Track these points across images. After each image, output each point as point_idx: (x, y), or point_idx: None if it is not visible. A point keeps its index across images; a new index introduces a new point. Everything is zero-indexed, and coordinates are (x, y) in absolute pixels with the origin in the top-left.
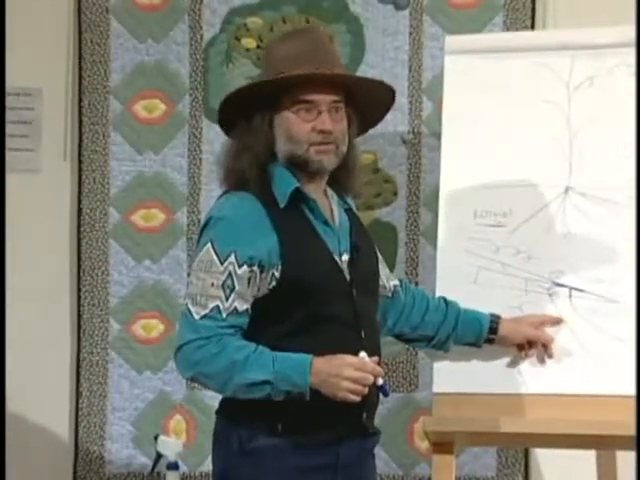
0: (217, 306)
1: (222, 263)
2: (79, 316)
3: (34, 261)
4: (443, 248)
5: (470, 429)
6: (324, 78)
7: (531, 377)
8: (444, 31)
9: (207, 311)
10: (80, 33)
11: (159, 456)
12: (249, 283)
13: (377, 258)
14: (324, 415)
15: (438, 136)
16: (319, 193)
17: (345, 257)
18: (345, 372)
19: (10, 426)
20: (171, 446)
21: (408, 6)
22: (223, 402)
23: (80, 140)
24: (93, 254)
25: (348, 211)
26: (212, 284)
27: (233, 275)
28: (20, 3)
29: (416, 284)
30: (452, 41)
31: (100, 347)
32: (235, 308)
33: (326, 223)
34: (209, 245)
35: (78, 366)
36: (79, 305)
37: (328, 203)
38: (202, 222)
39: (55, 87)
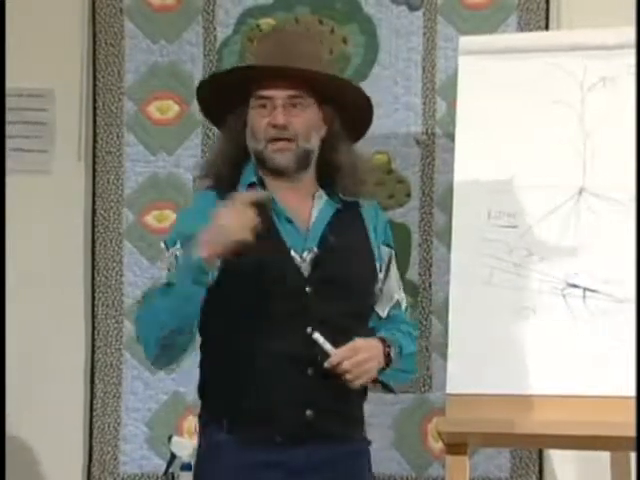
0: (166, 282)
1: (168, 250)
2: (93, 317)
3: (48, 262)
4: (457, 249)
5: (484, 430)
6: (272, 72)
7: (545, 378)
8: (458, 32)
9: (155, 289)
10: (94, 34)
11: (173, 457)
12: None
13: (369, 264)
14: (263, 410)
15: (451, 137)
16: (293, 192)
17: (307, 254)
18: (222, 215)
19: (24, 427)
20: (185, 447)
21: (422, 7)
22: (201, 402)
23: (94, 141)
24: (107, 255)
25: (340, 211)
26: (160, 270)
27: (178, 256)
28: (34, 4)
29: (430, 285)
30: (466, 42)
31: (114, 348)
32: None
33: (288, 221)
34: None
35: (92, 367)
36: (93, 306)
37: (308, 204)
38: None
39: (69, 88)
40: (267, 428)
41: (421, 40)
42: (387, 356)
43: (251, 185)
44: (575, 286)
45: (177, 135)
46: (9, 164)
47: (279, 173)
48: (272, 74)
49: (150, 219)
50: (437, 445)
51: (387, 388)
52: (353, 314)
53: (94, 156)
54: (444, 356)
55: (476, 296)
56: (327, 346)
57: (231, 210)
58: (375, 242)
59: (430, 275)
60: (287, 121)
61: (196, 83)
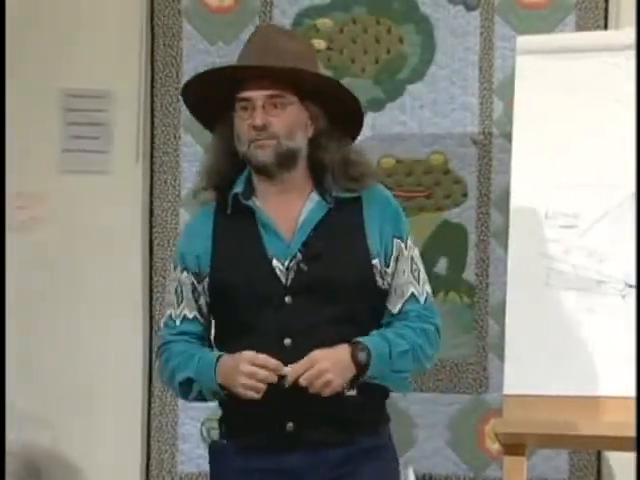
0: (170, 314)
1: (174, 270)
2: (151, 316)
3: (106, 262)
4: (514, 249)
5: (541, 431)
6: (243, 71)
7: (604, 379)
8: (515, 31)
9: (165, 319)
10: (153, 36)
11: None
12: (193, 290)
13: (363, 266)
14: (248, 420)
15: (508, 137)
16: (283, 194)
17: (288, 262)
18: (240, 366)
19: (83, 426)
20: None
21: (479, 6)
22: None
23: (152, 142)
24: (165, 254)
25: (332, 211)
26: (169, 291)
27: (181, 282)
28: (94, 6)
29: (486, 286)
30: (524, 41)
31: None
32: (185, 315)
33: (272, 229)
34: (175, 257)
35: (150, 367)
36: (151, 305)
37: (298, 205)
38: None
39: (128, 89)
40: (257, 438)
41: (478, 40)
42: (355, 360)
43: (235, 196)
44: (634, 287)
45: None
46: (69, 164)
47: (263, 172)
48: (250, 74)
49: None
50: (494, 446)
51: (383, 392)
52: (343, 319)
53: (152, 156)
54: (501, 357)
55: (533, 297)
56: (285, 369)
57: (250, 368)
58: (377, 237)
59: (487, 275)
60: (266, 121)
61: None
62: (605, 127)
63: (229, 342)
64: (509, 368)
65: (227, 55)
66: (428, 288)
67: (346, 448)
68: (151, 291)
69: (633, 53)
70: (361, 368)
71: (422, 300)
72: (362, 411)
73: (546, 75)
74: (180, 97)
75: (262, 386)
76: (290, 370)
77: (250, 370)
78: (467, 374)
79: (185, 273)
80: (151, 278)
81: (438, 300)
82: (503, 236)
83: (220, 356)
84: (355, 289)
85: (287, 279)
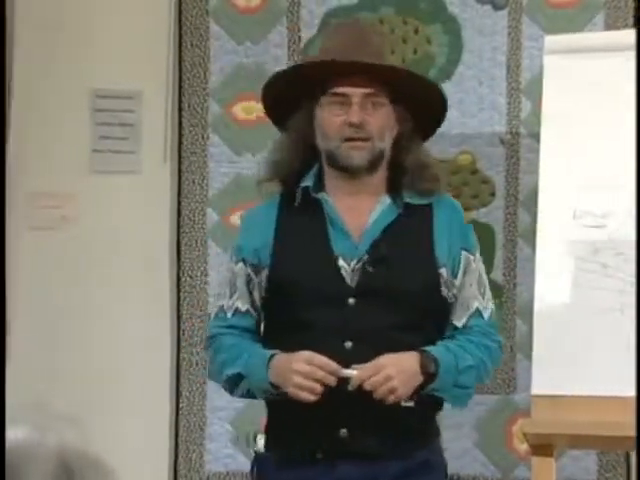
0: (222, 305)
1: (230, 260)
2: (179, 317)
3: (135, 261)
4: (542, 249)
5: (570, 432)
6: (345, 68)
7: (632, 379)
8: (543, 31)
9: (216, 310)
10: (180, 36)
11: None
12: (248, 282)
13: (429, 273)
14: (299, 428)
15: (536, 137)
16: (356, 194)
17: (355, 264)
18: (294, 365)
19: (112, 425)
20: None
21: (506, 6)
22: None
23: (180, 142)
24: (193, 255)
25: (402, 216)
26: (224, 279)
27: (235, 273)
28: (122, 7)
29: (514, 286)
30: (551, 41)
31: (200, 347)
32: (237, 308)
33: (341, 227)
34: (232, 251)
35: (178, 366)
36: (179, 305)
37: (369, 206)
38: None
39: (156, 89)
40: (307, 445)
41: (506, 40)
42: (424, 370)
43: (305, 189)
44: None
45: (262, 136)
46: (98, 165)
47: (350, 173)
48: (350, 70)
49: (235, 219)
50: (522, 446)
51: (439, 404)
52: (406, 325)
53: (179, 157)
54: (529, 357)
55: (561, 297)
56: (346, 372)
57: (306, 367)
58: (446, 247)
59: (515, 276)
60: (363, 120)
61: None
62: (632, 127)
63: (281, 339)
64: (537, 368)
65: (254, 55)
66: (492, 304)
67: (403, 462)
68: (179, 291)
69: None
70: (428, 378)
71: (486, 316)
72: (418, 422)
73: (574, 74)
74: (207, 97)
75: (319, 388)
76: (355, 373)
77: (306, 370)
78: (495, 374)
79: (241, 264)
80: (179, 278)
81: None
82: (531, 236)
83: (274, 354)
84: (420, 296)
85: (352, 280)
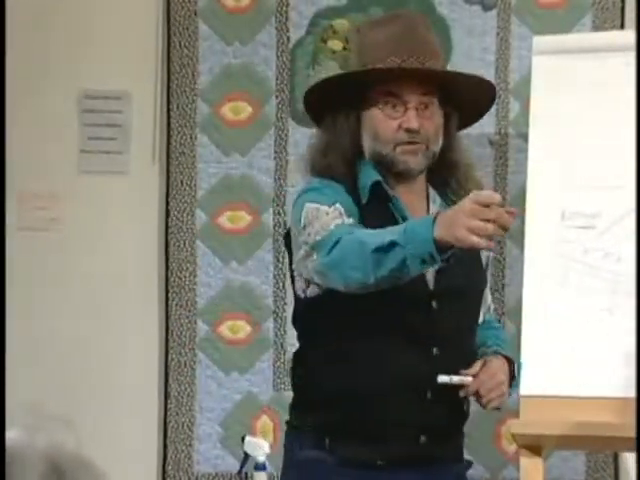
0: (339, 223)
1: (329, 207)
2: (167, 317)
3: (123, 262)
4: (530, 250)
5: (559, 432)
6: (411, 73)
7: (621, 380)
8: (532, 31)
9: (332, 227)
10: (169, 36)
11: (246, 456)
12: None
13: (481, 271)
14: (374, 430)
15: (525, 137)
16: (410, 194)
17: None
18: (465, 206)
19: (100, 426)
20: (258, 447)
21: (495, 6)
22: (290, 410)
23: (168, 142)
24: (181, 255)
25: None
26: (327, 214)
27: (343, 215)
28: (110, 8)
29: (502, 287)
30: (540, 41)
31: (188, 348)
32: (344, 221)
33: None
34: (308, 204)
35: (166, 367)
36: (167, 306)
37: (423, 205)
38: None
39: (144, 90)
40: (371, 449)
41: (495, 40)
42: (512, 375)
43: (377, 183)
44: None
45: (250, 136)
46: (86, 165)
47: (404, 176)
48: (407, 74)
49: (223, 220)
50: (511, 447)
51: (497, 407)
52: (469, 327)
53: (168, 157)
54: (517, 358)
55: (550, 298)
56: (457, 379)
57: (477, 206)
58: None
59: (503, 276)
60: (421, 125)
61: (270, 84)
62: (622, 127)
63: (360, 340)
64: (526, 369)
65: (243, 55)
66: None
67: (460, 466)
68: (167, 292)
69: None
70: (511, 382)
71: (492, 310)
72: (462, 429)
73: (563, 75)
74: (195, 98)
75: (491, 228)
76: (471, 380)
77: (475, 209)
78: None
79: (350, 218)
80: (167, 279)
81: None
82: (519, 236)
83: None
84: (478, 298)
85: (431, 281)
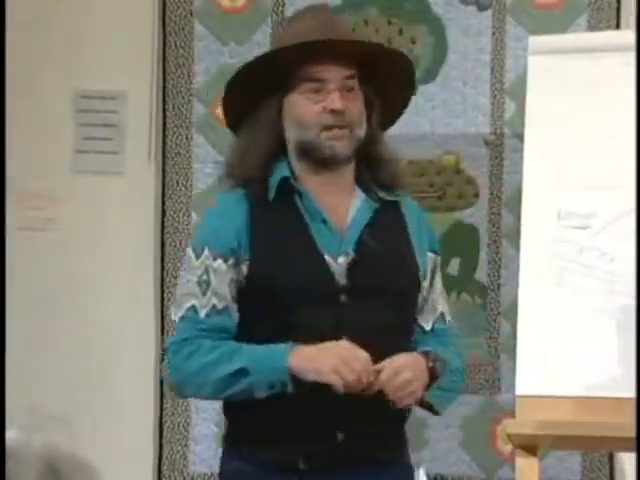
0: (193, 305)
1: (197, 258)
2: (163, 318)
3: (119, 262)
4: (526, 250)
5: (554, 432)
6: (331, 47)
7: (617, 380)
8: (527, 32)
9: (183, 312)
10: (165, 36)
11: None
12: (229, 280)
13: (411, 272)
14: (288, 434)
15: (520, 137)
16: (334, 186)
17: (342, 259)
18: (333, 349)
19: (96, 426)
20: None
21: (491, 7)
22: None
23: (164, 142)
24: (177, 255)
25: (379, 211)
26: (188, 280)
27: (209, 269)
28: (105, 8)
29: (498, 286)
30: (536, 42)
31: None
32: (213, 306)
33: (323, 221)
34: (190, 248)
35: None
36: (162, 307)
37: (345, 200)
38: None
39: (140, 90)
40: (291, 454)
41: (490, 40)
42: (431, 372)
43: (284, 179)
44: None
45: None
46: (81, 165)
47: (328, 164)
48: (326, 51)
49: None
50: (507, 447)
51: (431, 410)
52: (393, 327)
53: (164, 157)
54: (513, 358)
55: (546, 297)
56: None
57: (346, 352)
58: (418, 247)
59: (499, 276)
60: (345, 106)
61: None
62: (617, 128)
63: (270, 340)
64: (521, 369)
65: (239, 55)
66: (448, 308)
67: (399, 466)
68: (162, 292)
69: None
70: (433, 380)
71: (447, 320)
72: (400, 429)
73: (558, 75)
74: (191, 98)
75: (353, 378)
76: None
77: (346, 355)
78: (479, 375)
79: (219, 260)
80: (162, 279)
81: (450, 301)
82: (515, 236)
83: (293, 344)
84: (405, 298)
85: (342, 277)
